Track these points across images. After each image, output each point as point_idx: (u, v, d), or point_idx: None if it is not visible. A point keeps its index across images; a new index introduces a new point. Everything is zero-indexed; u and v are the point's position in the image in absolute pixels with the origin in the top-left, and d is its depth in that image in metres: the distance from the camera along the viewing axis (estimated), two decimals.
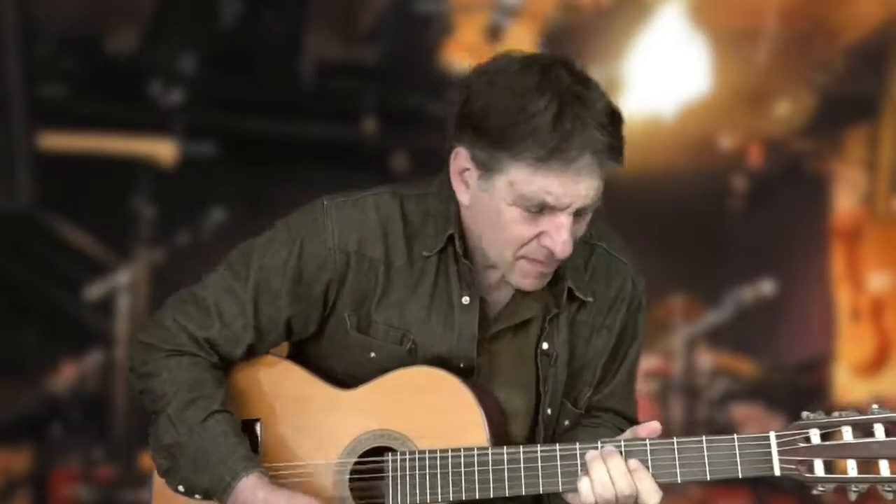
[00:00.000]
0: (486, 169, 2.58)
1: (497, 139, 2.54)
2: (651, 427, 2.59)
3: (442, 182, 2.72)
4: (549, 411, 2.76)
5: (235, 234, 2.87)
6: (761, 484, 5.20)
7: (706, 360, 5.47)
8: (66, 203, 5.29)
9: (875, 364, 5.40)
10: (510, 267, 2.64)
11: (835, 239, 5.47)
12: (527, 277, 2.64)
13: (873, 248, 5.46)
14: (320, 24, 5.47)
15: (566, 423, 2.80)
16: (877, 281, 5.43)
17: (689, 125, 5.43)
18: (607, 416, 2.87)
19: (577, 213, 2.58)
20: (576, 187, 2.54)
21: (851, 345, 5.42)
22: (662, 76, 5.38)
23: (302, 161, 5.26)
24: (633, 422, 2.89)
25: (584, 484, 2.55)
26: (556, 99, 2.51)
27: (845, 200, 5.47)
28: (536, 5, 5.34)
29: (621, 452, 2.55)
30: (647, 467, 2.55)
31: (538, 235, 2.58)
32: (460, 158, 2.62)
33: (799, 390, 5.40)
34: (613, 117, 2.56)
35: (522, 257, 2.61)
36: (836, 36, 5.44)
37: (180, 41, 5.35)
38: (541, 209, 2.56)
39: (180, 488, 2.71)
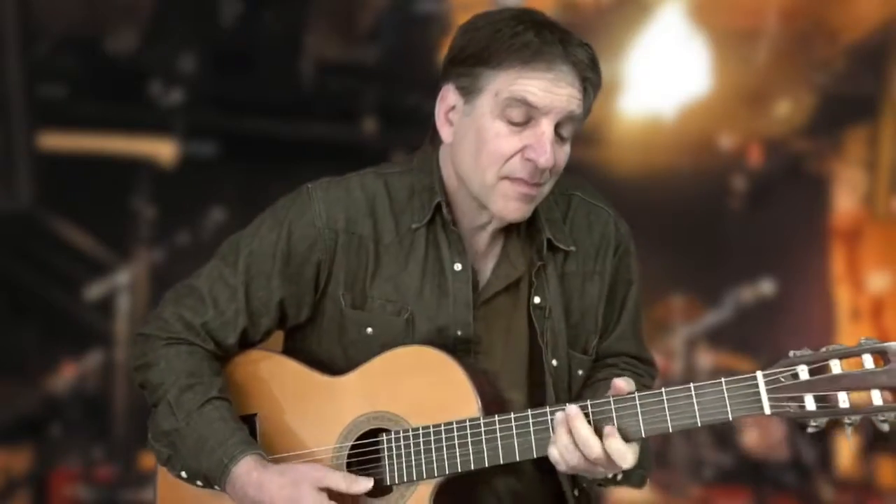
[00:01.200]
0: (471, 91, 2.65)
1: (480, 58, 2.62)
2: (617, 386, 2.56)
3: (422, 157, 2.79)
4: (554, 362, 2.77)
5: (235, 233, 2.88)
6: (762, 483, 5.20)
7: (706, 360, 5.47)
8: (66, 203, 5.29)
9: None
10: (492, 191, 2.66)
11: (835, 239, 5.48)
12: (509, 200, 2.66)
13: (873, 248, 5.46)
14: (320, 24, 5.47)
15: (580, 372, 2.81)
16: (877, 281, 5.44)
17: (689, 125, 5.43)
18: (622, 362, 2.89)
19: (558, 135, 2.62)
20: (557, 90, 2.59)
21: (851, 345, 5.42)
22: (662, 76, 5.39)
23: (302, 161, 5.26)
24: (648, 363, 2.92)
25: (552, 450, 2.56)
26: (534, 25, 2.62)
27: (845, 200, 5.47)
28: (536, 5, 5.33)
29: (587, 414, 2.53)
30: (613, 425, 2.52)
31: (522, 150, 2.62)
32: (447, 96, 2.69)
33: None
34: (589, 48, 2.65)
35: (506, 177, 2.64)
36: (836, 36, 5.44)
37: (180, 41, 5.35)
38: (524, 120, 2.61)
39: (183, 474, 2.74)
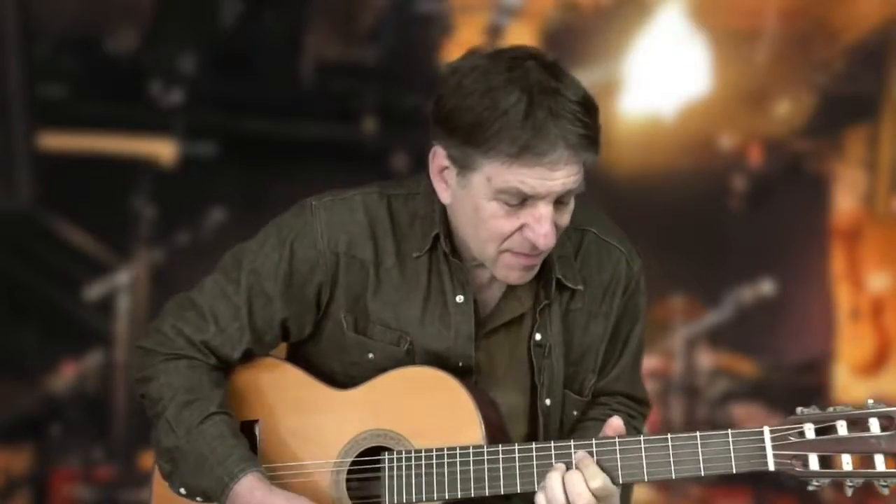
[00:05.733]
0: (463, 166, 2.58)
1: (469, 137, 2.54)
2: (614, 425, 2.57)
3: (429, 183, 2.72)
4: (547, 402, 2.76)
5: (235, 234, 2.88)
6: (762, 483, 5.20)
7: (706, 360, 5.47)
8: (66, 203, 5.29)
9: (875, 364, 5.40)
10: (494, 261, 2.64)
11: (835, 239, 5.47)
12: (512, 270, 2.64)
13: (873, 248, 5.45)
14: (320, 24, 5.47)
15: (574, 413, 2.80)
16: (877, 281, 5.43)
17: (689, 125, 5.42)
18: (616, 402, 2.87)
19: (559, 202, 2.58)
20: (552, 176, 2.53)
21: (851, 345, 5.42)
22: (662, 76, 5.38)
23: (302, 161, 5.26)
24: (644, 403, 2.90)
25: (539, 498, 2.55)
26: (526, 93, 2.51)
27: (845, 200, 5.47)
28: (536, 5, 5.34)
29: (592, 454, 2.53)
30: (617, 466, 2.52)
31: (520, 228, 2.58)
32: (438, 157, 2.64)
33: (799, 390, 5.39)
34: (587, 107, 2.56)
35: (507, 251, 2.61)
36: (836, 36, 5.43)
37: (180, 41, 5.35)
38: (520, 201, 2.56)
39: (182, 491, 2.73)
